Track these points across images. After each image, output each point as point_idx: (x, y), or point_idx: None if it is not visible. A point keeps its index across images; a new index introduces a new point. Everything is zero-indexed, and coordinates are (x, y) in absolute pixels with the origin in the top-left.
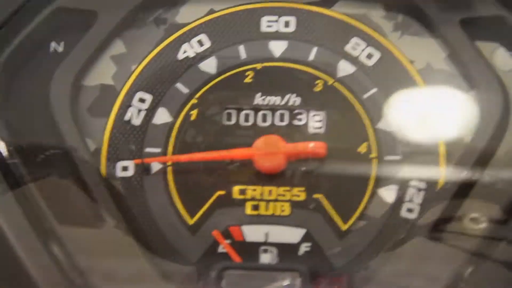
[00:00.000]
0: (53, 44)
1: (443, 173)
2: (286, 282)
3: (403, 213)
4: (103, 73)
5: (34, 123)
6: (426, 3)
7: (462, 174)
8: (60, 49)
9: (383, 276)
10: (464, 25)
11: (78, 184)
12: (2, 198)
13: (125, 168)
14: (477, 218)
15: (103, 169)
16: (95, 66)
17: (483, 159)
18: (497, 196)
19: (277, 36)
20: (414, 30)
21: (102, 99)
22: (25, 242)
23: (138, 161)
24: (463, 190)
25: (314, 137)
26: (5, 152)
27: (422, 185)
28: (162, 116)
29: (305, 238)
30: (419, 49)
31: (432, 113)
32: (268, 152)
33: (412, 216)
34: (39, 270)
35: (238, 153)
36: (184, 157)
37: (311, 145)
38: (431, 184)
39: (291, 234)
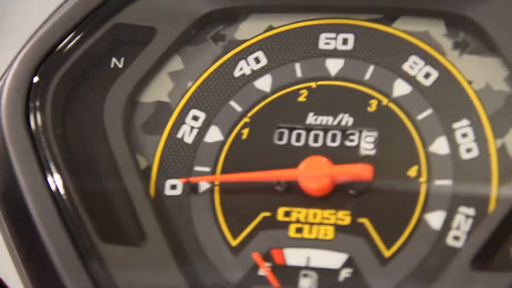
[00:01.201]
0: (113, 60)
1: (494, 200)
2: None
3: (450, 241)
4: (160, 89)
5: (89, 138)
6: (487, 20)
7: None
8: (120, 65)
9: None
10: None
11: (125, 201)
12: (45, 212)
13: (173, 187)
14: None
15: (152, 187)
16: (152, 82)
17: None
18: None
19: (335, 53)
20: (474, 49)
21: (157, 116)
22: (65, 258)
23: (184, 180)
24: None
25: (365, 159)
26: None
27: (471, 212)
28: (213, 135)
29: (346, 264)
30: (478, 69)
31: (487, 136)
32: (313, 174)
33: (459, 244)
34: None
35: (283, 174)
36: (230, 177)
37: (358, 167)
38: (480, 211)
39: (333, 259)
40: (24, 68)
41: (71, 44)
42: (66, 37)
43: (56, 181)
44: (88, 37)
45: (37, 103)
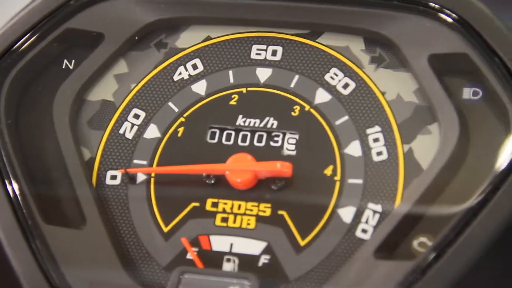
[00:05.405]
0: (65, 61)
1: (399, 198)
2: None
3: (358, 233)
4: (105, 89)
5: (38, 131)
6: (400, 39)
7: (415, 201)
8: (71, 66)
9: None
10: (433, 61)
11: (68, 188)
12: None
13: (113, 177)
14: (424, 243)
15: (94, 176)
16: (99, 82)
17: (435, 189)
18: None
19: (264, 63)
20: (389, 64)
21: (101, 113)
22: (11, 237)
23: (122, 170)
24: (415, 215)
25: (287, 158)
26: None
27: (378, 208)
28: (152, 132)
29: (265, 251)
30: (391, 81)
31: (396, 141)
32: (238, 168)
33: (366, 236)
34: (21, 264)
35: (211, 168)
36: (164, 169)
37: (278, 164)
38: (386, 208)
39: (253, 246)
40: None
41: (26, 45)
42: (21, 39)
43: (6, 168)
44: (42, 39)
45: None
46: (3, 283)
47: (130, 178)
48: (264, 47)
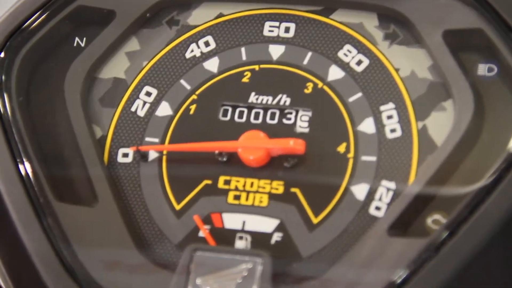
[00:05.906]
0: (76, 39)
1: (413, 175)
2: (248, 267)
3: (372, 210)
4: (117, 67)
5: (50, 109)
6: (415, 14)
7: (429, 178)
8: (83, 44)
9: (340, 266)
10: (448, 37)
11: (80, 166)
12: (6, 172)
13: (125, 155)
14: (438, 220)
15: (106, 154)
16: (111, 60)
17: (449, 166)
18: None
19: (277, 40)
20: (403, 40)
21: (113, 91)
22: (23, 215)
23: (134, 148)
24: (429, 193)
25: (300, 135)
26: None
27: (392, 185)
28: (164, 109)
29: (278, 228)
30: (405, 58)
31: (410, 118)
32: (251, 146)
33: (380, 214)
34: (33, 243)
35: (224, 145)
36: (176, 147)
37: (291, 142)
38: (400, 185)
39: (266, 224)
40: None
41: (37, 23)
42: (32, 16)
43: (18, 145)
44: (53, 17)
45: (3, 77)
46: (15, 261)
47: (142, 156)
48: (277, 24)
